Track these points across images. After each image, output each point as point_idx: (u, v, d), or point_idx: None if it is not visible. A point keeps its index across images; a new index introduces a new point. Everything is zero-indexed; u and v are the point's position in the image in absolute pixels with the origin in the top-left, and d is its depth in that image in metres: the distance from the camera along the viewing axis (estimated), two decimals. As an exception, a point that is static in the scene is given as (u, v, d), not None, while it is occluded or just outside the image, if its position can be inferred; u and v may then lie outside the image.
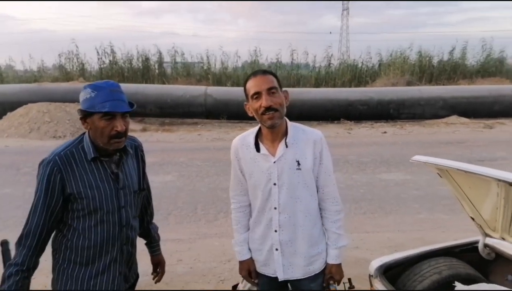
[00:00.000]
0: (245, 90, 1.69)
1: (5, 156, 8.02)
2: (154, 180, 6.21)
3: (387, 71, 18.64)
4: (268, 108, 1.59)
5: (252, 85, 1.63)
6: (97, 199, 1.54)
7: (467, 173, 1.63)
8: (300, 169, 1.67)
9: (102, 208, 1.56)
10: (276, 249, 1.74)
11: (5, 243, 1.61)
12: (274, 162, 1.67)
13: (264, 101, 1.59)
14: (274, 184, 1.68)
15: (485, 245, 2.02)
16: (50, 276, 1.66)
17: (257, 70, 1.72)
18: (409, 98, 12.78)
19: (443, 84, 17.35)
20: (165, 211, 4.97)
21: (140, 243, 1.91)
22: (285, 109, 1.65)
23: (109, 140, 1.50)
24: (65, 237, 1.58)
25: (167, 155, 7.98)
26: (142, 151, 1.78)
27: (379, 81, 17.90)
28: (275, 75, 1.68)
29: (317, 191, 1.75)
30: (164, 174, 6.56)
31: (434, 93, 13.09)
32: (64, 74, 18.45)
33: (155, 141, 9.70)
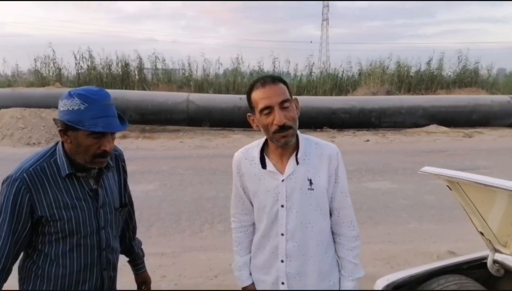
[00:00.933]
0: (249, 100, 1.44)
1: (-26, 164, 7.58)
2: (135, 189, 5.94)
3: (367, 81, 18.92)
4: (282, 127, 1.35)
5: (261, 97, 1.37)
6: (74, 221, 1.34)
7: (486, 187, 1.53)
8: (312, 189, 1.44)
9: (79, 230, 1.35)
10: (282, 283, 1.51)
11: None
12: (283, 180, 1.44)
13: (277, 119, 1.34)
14: (282, 206, 1.46)
15: (495, 261, 1.93)
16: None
17: (265, 77, 1.44)
18: (390, 107, 12.92)
19: (422, 94, 17.72)
20: (147, 223, 4.74)
21: (122, 258, 1.72)
22: (297, 123, 1.42)
23: (93, 159, 1.31)
24: (35, 264, 1.37)
25: (148, 163, 7.72)
26: (124, 161, 1.58)
27: (360, 90, 18.13)
28: (285, 83, 1.43)
29: (331, 214, 1.53)
30: (146, 183, 6.31)
31: (414, 103, 13.30)
32: (39, 79, 17.91)
33: (136, 149, 9.40)
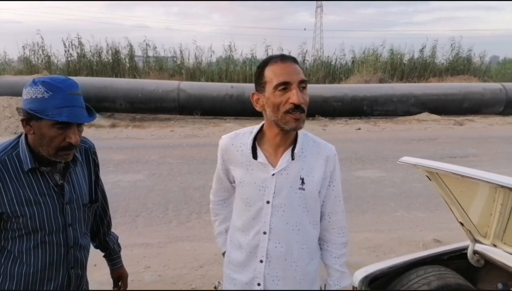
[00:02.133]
0: (261, 76, 1.30)
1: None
2: (123, 179, 5.90)
3: (360, 69, 18.83)
4: (298, 107, 1.25)
5: (280, 73, 1.26)
6: (37, 217, 1.28)
7: (463, 177, 1.50)
8: (303, 189, 1.34)
9: (43, 227, 1.29)
10: (259, 284, 1.40)
11: None
12: (273, 174, 1.34)
13: (295, 97, 1.23)
14: (267, 202, 1.35)
15: (475, 252, 1.91)
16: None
17: (283, 54, 1.34)
18: (382, 95, 12.89)
19: (414, 82, 17.69)
20: (133, 213, 4.68)
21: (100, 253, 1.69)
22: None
23: (57, 152, 1.25)
24: None
25: (137, 152, 7.63)
26: (95, 154, 1.50)
27: (353, 78, 18.04)
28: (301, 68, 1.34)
29: (321, 219, 1.44)
30: (134, 173, 6.24)
31: (406, 91, 13.27)
32: (28, 67, 17.57)
33: (125, 138, 9.30)
